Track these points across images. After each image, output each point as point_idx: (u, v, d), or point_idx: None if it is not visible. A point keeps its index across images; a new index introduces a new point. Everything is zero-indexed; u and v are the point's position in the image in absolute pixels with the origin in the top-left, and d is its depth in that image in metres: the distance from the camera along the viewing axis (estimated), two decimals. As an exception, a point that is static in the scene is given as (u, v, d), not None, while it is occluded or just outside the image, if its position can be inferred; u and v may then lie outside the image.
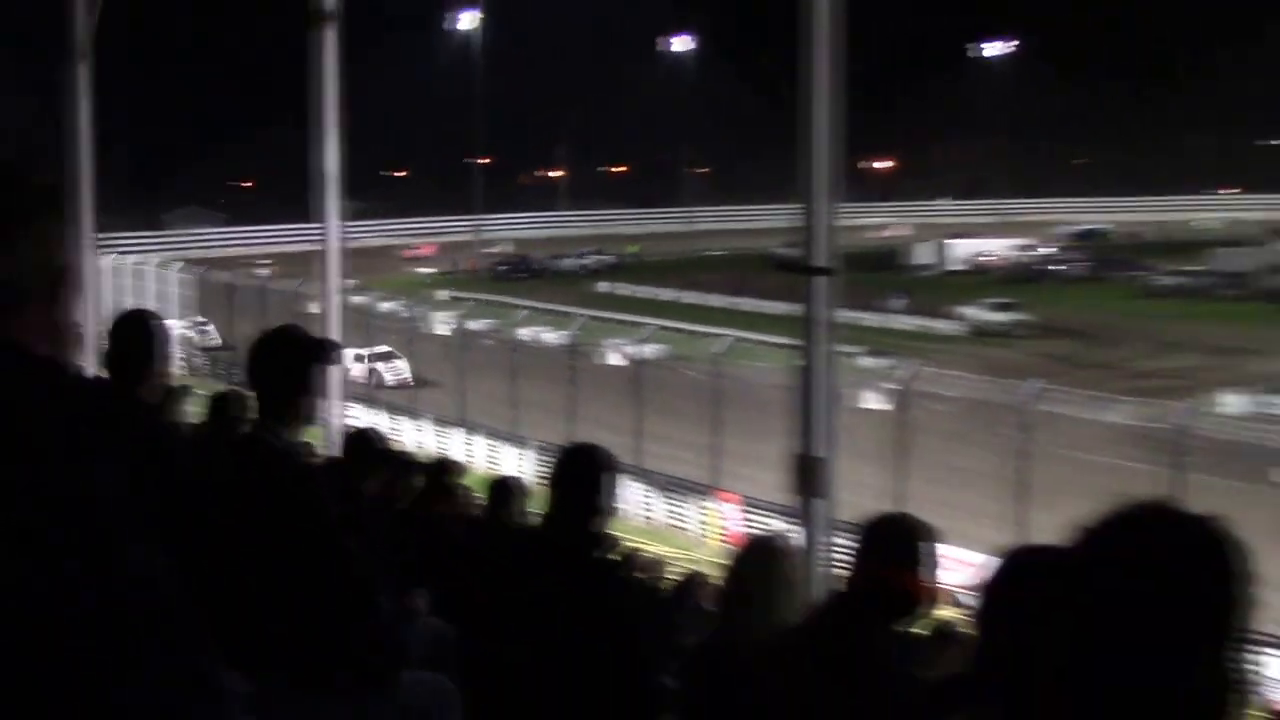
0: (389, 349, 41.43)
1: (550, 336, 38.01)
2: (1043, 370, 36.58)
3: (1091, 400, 28.93)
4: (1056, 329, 53.96)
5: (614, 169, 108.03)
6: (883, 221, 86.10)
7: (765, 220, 76.24)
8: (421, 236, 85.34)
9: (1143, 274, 68.31)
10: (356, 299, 34.63)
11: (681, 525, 27.55)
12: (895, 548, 3.87)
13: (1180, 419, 22.35)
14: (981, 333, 53.87)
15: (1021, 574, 2.96)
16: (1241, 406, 37.26)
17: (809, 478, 10.39)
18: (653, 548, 19.22)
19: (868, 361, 35.57)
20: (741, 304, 57.78)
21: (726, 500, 26.91)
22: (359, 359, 40.17)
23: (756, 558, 4.62)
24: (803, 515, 10.40)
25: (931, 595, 3.90)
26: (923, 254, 78.06)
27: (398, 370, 41.29)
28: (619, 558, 6.35)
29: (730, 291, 61.47)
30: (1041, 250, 76.52)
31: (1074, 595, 1.84)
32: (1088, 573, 1.85)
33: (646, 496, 28.34)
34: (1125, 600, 1.80)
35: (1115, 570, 1.83)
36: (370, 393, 37.14)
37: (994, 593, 2.93)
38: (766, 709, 3.86)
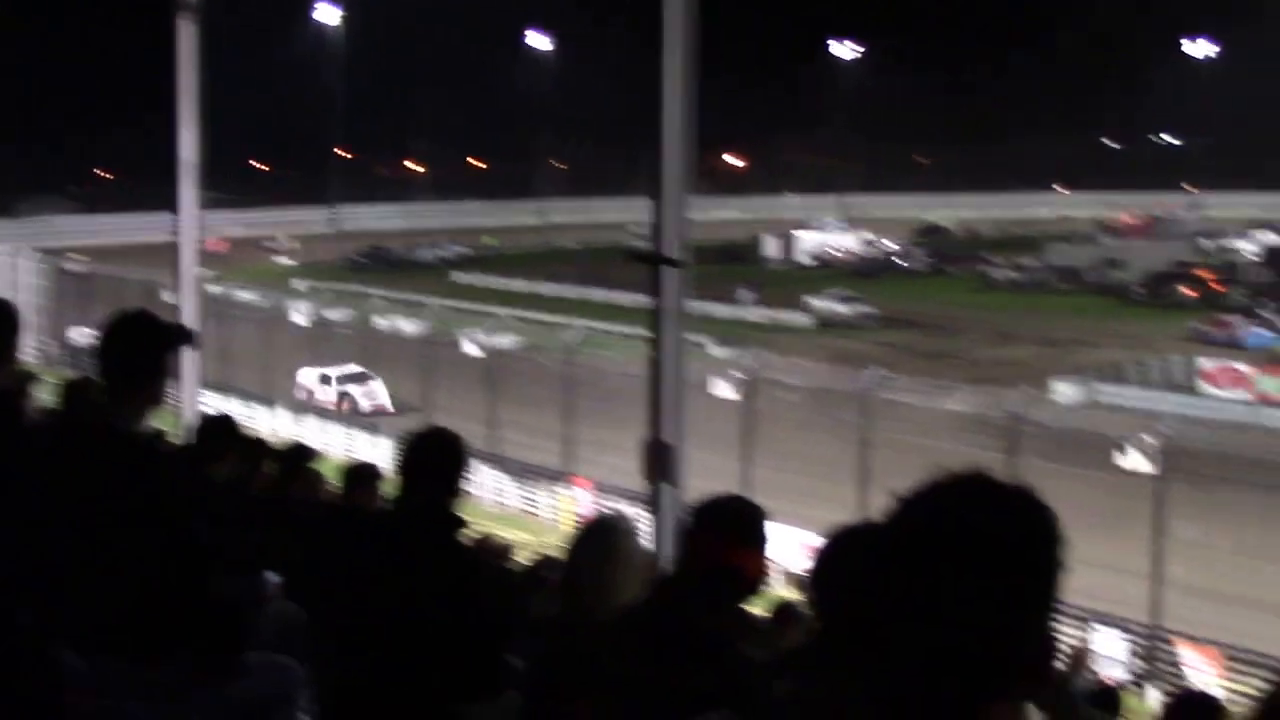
0: (361, 369, 36.68)
1: (408, 326, 37.82)
2: (886, 360, 37.27)
3: (931, 388, 29.62)
4: (899, 320, 54.91)
5: (474, 162, 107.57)
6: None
7: (620, 214, 76.71)
8: (279, 227, 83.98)
9: (982, 268, 69.95)
10: (214, 289, 33.99)
11: (535, 511, 27.68)
12: (726, 528, 3.87)
13: (1015, 406, 23.00)
14: (828, 324, 54.65)
15: (846, 549, 3.11)
16: (1073, 394, 38.41)
17: (660, 463, 10.65)
18: (506, 532, 19.31)
19: (718, 351, 35.97)
20: (595, 295, 57.94)
21: (580, 486, 27.11)
22: (325, 380, 36.33)
23: (597, 537, 4.62)
24: (654, 500, 10.67)
25: (762, 575, 3.89)
26: (771, 247, 79.00)
27: (373, 394, 36.21)
28: (470, 541, 6.48)
29: (585, 283, 61.62)
30: (886, 245, 77.88)
31: (891, 565, 1.83)
32: (904, 542, 1.84)
33: (501, 483, 28.44)
34: (940, 567, 1.79)
35: (931, 538, 1.82)
36: (344, 419, 33.86)
37: (822, 569, 3.06)
38: (604, 689, 3.87)
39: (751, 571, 3.85)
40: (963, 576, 1.78)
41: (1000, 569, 1.79)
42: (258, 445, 9.73)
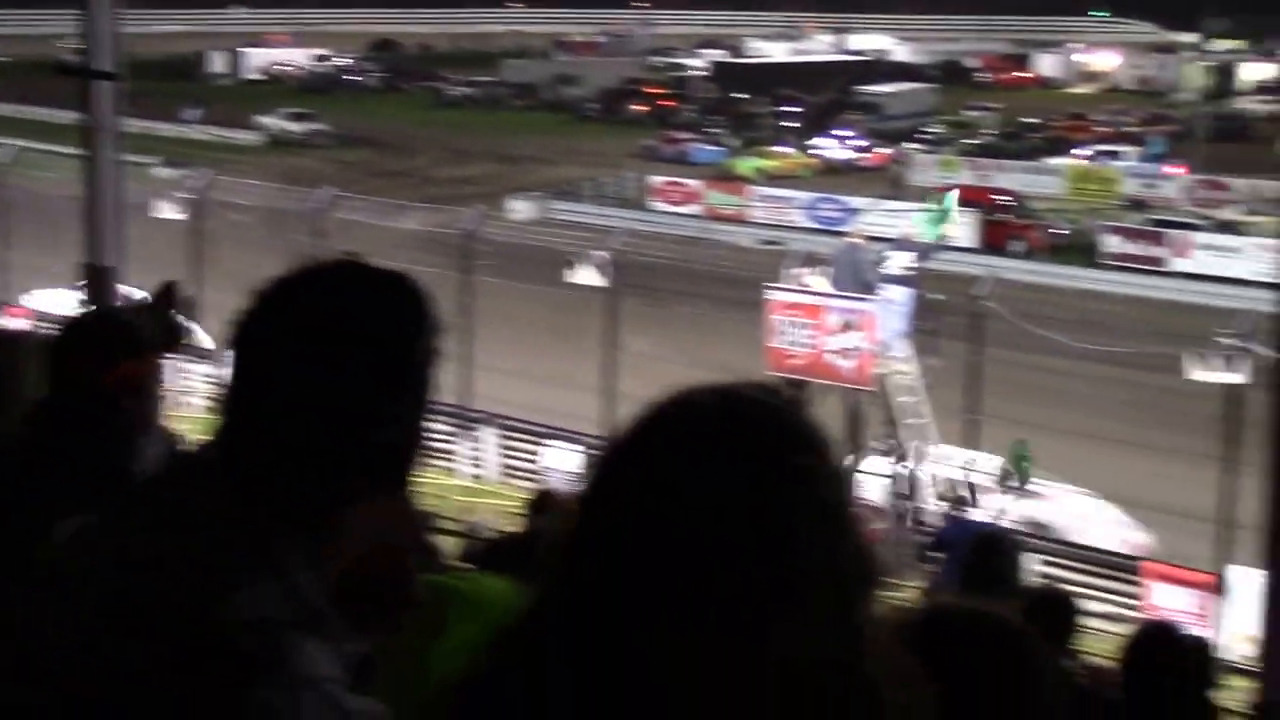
0: None
1: None
2: (339, 179, 36.96)
3: (385, 207, 29.63)
4: (353, 139, 54.54)
5: None
6: None
7: (52, 25, 72.01)
8: None
9: (436, 85, 70.07)
10: None
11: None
12: (93, 345, 3.72)
13: (469, 224, 23.28)
14: (279, 142, 53.72)
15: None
16: (528, 212, 39.45)
17: (98, 287, 10.31)
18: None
19: (162, 172, 34.66)
20: (28, 112, 54.46)
21: (15, 315, 25.65)
22: None
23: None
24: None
25: (134, 385, 3.72)
26: (217, 63, 76.38)
27: None
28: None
29: (15, 99, 57.80)
30: (338, 61, 76.80)
31: (258, 354, 1.75)
32: (262, 331, 1.76)
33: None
34: (296, 351, 1.72)
35: (288, 325, 1.75)
36: None
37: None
38: None
39: (122, 384, 3.77)
40: (319, 361, 1.71)
41: (361, 353, 1.73)
42: None
